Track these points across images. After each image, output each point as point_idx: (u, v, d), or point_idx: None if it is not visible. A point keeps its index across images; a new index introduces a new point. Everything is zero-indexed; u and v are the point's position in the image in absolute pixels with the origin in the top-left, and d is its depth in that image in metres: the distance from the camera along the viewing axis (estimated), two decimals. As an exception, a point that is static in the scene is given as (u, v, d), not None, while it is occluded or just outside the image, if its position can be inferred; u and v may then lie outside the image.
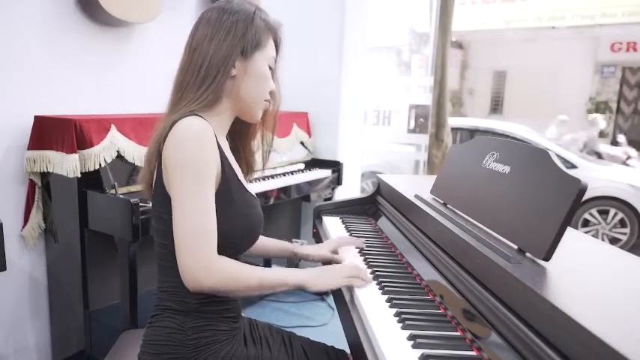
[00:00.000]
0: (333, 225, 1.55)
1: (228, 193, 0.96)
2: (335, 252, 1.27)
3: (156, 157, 0.96)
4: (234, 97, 1.01)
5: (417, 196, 1.37)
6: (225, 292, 0.92)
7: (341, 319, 1.06)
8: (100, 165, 1.66)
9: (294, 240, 1.33)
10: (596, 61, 10.98)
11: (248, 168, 1.16)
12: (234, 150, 1.12)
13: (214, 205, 0.91)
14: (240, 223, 0.98)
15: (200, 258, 0.87)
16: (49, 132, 1.70)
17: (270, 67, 1.05)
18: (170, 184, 0.91)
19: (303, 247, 1.29)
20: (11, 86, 1.74)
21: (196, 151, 0.89)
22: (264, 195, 2.17)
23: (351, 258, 1.24)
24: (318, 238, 1.55)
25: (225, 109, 1.02)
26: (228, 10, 0.99)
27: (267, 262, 2.80)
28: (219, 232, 0.91)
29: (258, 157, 1.16)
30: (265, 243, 1.27)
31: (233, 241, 0.98)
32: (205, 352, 0.95)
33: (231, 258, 0.95)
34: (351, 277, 1.04)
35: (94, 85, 1.98)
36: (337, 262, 1.22)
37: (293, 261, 1.30)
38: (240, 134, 1.13)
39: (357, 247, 1.32)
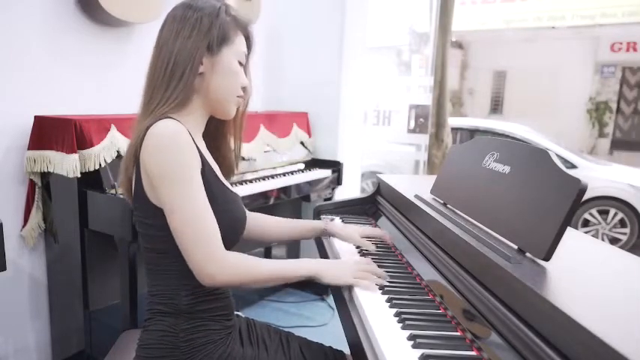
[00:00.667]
0: (333, 225, 1.54)
1: (208, 191, 0.95)
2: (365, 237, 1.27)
3: (133, 162, 0.96)
4: (205, 94, 1.00)
5: (417, 196, 1.37)
6: (239, 285, 0.93)
7: (341, 319, 1.06)
8: (100, 165, 1.66)
9: (323, 217, 1.28)
10: (596, 61, 10.98)
11: (228, 166, 1.15)
12: (212, 148, 1.11)
13: (207, 201, 0.92)
14: (222, 220, 0.96)
15: (211, 254, 0.89)
16: (49, 132, 1.70)
17: (240, 63, 1.03)
18: (160, 192, 0.90)
19: (333, 223, 1.29)
20: (11, 86, 1.73)
21: (177, 155, 0.89)
22: (264, 195, 2.17)
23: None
24: (318, 238, 1.55)
25: (197, 107, 1.01)
26: (193, 7, 0.98)
27: (266, 251, 2.81)
28: None
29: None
30: (291, 224, 1.28)
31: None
32: (200, 352, 0.94)
33: None
34: (360, 279, 1.02)
35: (94, 85, 1.98)
36: (365, 248, 1.23)
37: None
38: (216, 132, 1.11)
39: (380, 240, 1.32)
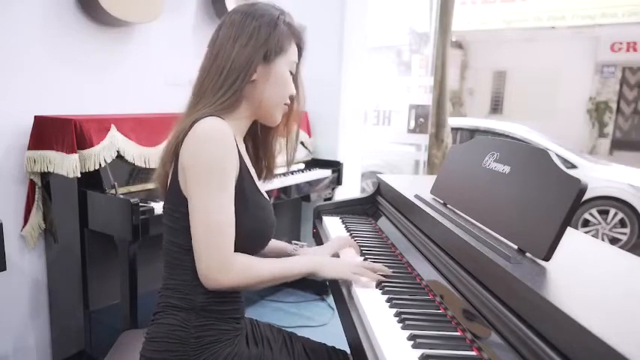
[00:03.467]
0: (333, 225, 1.54)
1: (242, 194, 0.96)
2: (336, 255, 1.26)
3: (171, 157, 0.97)
4: (254, 100, 1.01)
5: (417, 196, 1.37)
6: (243, 288, 0.95)
7: (341, 319, 1.06)
8: (100, 165, 1.66)
9: (293, 242, 1.31)
10: (596, 61, 10.98)
11: (268, 170, 1.15)
12: (253, 152, 1.12)
13: (232, 204, 0.92)
14: (252, 225, 0.98)
15: (216, 256, 0.89)
16: (49, 132, 1.70)
17: (290, 72, 1.05)
18: (189, 183, 0.91)
19: (302, 249, 1.28)
20: (11, 86, 1.74)
21: (216, 151, 0.90)
22: (264, 195, 2.17)
23: (351, 258, 1.24)
24: (318, 238, 1.55)
25: (243, 112, 1.02)
26: (252, 14, 0.99)
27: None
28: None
29: (278, 160, 1.16)
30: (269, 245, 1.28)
31: (245, 243, 0.97)
32: (208, 350, 0.95)
33: None
34: (358, 273, 1.05)
35: (94, 85, 1.98)
36: None
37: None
38: (261, 136, 1.12)
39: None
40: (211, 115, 0.94)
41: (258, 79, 0.99)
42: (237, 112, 1.00)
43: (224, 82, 0.97)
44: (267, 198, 1.07)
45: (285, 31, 1.01)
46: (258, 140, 1.13)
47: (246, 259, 0.94)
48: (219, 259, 0.89)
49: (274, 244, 1.28)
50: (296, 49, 1.06)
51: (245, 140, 1.09)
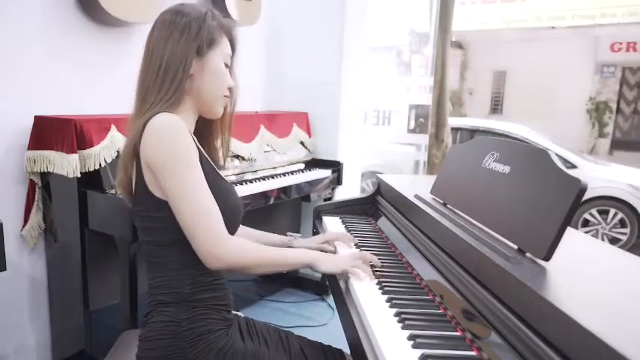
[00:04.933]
0: (333, 225, 1.55)
1: (207, 181, 0.98)
2: (330, 244, 1.31)
3: (132, 159, 1.00)
4: (194, 94, 1.05)
5: (417, 196, 1.37)
6: (243, 267, 0.98)
7: (341, 319, 1.06)
8: (100, 165, 1.66)
9: (288, 233, 1.35)
10: (596, 61, 10.98)
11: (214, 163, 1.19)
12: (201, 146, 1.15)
13: (208, 189, 0.96)
14: (220, 208, 0.99)
15: (217, 238, 0.94)
16: (49, 132, 1.70)
17: (226, 65, 1.08)
18: (163, 181, 0.94)
19: (297, 241, 1.33)
20: (11, 86, 1.73)
21: (178, 142, 0.94)
22: (264, 195, 2.17)
23: (347, 251, 1.25)
24: (316, 231, 1.55)
25: (187, 107, 1.06)
26: (181, 12, 1.03)
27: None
28: None
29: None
30: (265, 237, 1.31)
31: None
32: (202, 342, 0.96)
33: None
34: (355, 267, 1.07)
35: (94, 85, 1.98)
36: (328, 251, 1.27)
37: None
38: (202, 133, 1.15)
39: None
40: (161, 111, 0.97)
41: (194, 73, 1.03)
42: (181, 107, 1.04)
43: (163, 79, 1.00)
44: (229, 182, 1.11)
45: (214, 25, 1.05)
46: (202, 136, 1.15)
47: (242, 241, 1.00)
48: (216, 238, 0.93)
49: (270, 237, 1.33)
50: (228, 42, 1.10)
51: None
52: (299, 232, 2.34)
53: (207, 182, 0.98)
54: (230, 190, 1.09)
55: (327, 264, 1.06)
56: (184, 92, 1.03)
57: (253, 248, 1.01)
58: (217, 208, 0.96)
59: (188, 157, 0.94)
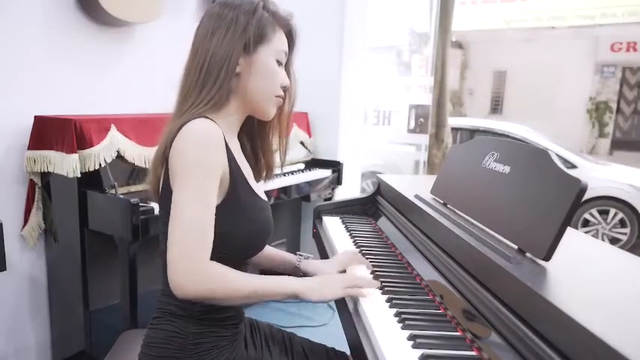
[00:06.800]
0: (333, 225, 1.54)
1: (235, 197, 0.92)
2: (342, 271, 1.15)
3: (162, 161, 0.92)
4: (242, 95, 0.97)
5: (417, 196, 1.37)
6: (212, 300, 0.86)
7: (341, 319, 1.06)
8: (100, 165, 1.66)
9: (298, 253, 1.22)
10: (596, 61, 10.98)
11: (267, 168, 1.11)
12: (251, 149, 1.08)
13: (213, 209, 0.87)
14: (248, 228, 0.94)
15: (188, 260, 0.82)
16: (49, 132, 1.70)
17: (279, 62, 0.99)
18: (173, 185, 0.88)
19: (307, 262, 1.19)
20: (11, 86, 1.74)
21: (200, 153, 0.85)
22: (264, 195, 2.17)
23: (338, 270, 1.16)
24: (318, 238, 1.55)
25: (234, 108, 0.98)
26: (230, 4, 0.95)
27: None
28: (226, 237, 0.89)
29: (277, 157, 1.11)
30: (270, 253, 1.20)
31: (241, 247, 0.96)
32: (206, 356, 0.94)
33: (238, 263, 0.93)
34: (349, 288, 0.97)
35: (94, 85, 1.98)
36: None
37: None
38: (256, 132, 1.08)
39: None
40: (200, 116, 0.90)
41: (241, 71, 0.95)
42: (226, 108, 0.96)
43: (206, 78, 0.92)
44: (265, 199, 1.03)
45: (266, 18, 0.95)
46: (255, 136, 1.08)
47: (224, 269, 0.86)
48: (191, 263, 0.82)
49: (275, 253, 1.21)
50: (284, 37, 1.00)
51: (241, 138, 1.06)
52: (299, 236, 2.32)
53: (237, 197, 0.92)
54: (264, 209, 0.99)
55: (314, 296, 0.93)
56: (230, 92, 0.95)
57: (231, 280, 0.86)
58: (210, 236, 0.85)
59: (202, 171, 0.85)
